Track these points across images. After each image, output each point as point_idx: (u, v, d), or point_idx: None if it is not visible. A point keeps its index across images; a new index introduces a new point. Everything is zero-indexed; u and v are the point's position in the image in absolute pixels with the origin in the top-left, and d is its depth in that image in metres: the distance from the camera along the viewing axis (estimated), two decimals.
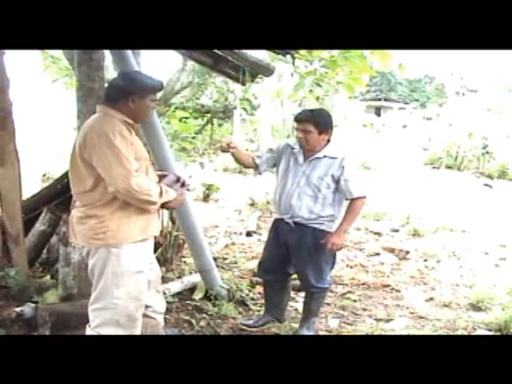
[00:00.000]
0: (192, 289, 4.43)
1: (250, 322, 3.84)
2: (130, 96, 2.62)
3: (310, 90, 6.14)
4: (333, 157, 3.48)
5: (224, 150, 3.62)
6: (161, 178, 2.87)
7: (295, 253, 3.57)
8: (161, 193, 2.64)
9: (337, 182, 3.46)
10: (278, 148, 3.70)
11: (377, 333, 3.75)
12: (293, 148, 3.59)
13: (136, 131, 2.75)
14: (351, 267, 5.81)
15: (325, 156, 3.48)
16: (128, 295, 2.65)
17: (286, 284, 3.89)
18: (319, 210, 3.47)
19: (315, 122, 3.42)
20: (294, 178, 3.51)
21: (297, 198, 3.47)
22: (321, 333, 3.89)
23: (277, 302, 3.86)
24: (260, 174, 3.79)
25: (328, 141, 3.53)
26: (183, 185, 2.89)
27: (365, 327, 3.96)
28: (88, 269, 2.73)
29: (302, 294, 4.55)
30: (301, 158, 3.53)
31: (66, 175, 4.59)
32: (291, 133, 15.91)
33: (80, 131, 2.66)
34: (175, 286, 4.33)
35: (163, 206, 2.74)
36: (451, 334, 3.95)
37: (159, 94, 3.29)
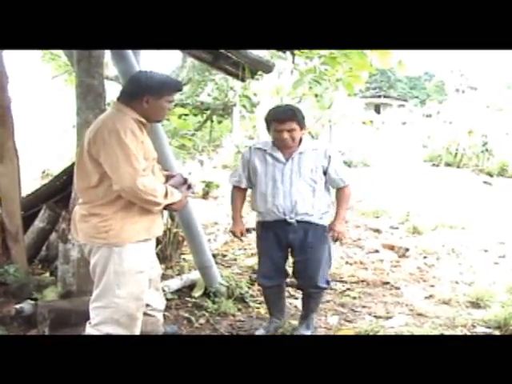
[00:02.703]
0: (191, 286, 4.43)
1: (262, 331, 3.70)
2: (144, 96, 2.60)
3: (310, 87, 6.13)
4: (314, 148, 3.44)
5: (237, 237, 3.74)
6: (168, 178, 2.85)
7: (299, 253, 3.50)
8: (166, 194, 2.62)
9: (325, 172, 3.43)
10: (245, 159, 3.55)
11: (376, 330, 3.75)
12: (264, 149, 3.47)
13: (148, 131, 2.73)
14: (351, 264, 5.81)
15: (306, 149, 3.42)
16: (129, 295, 2.65)
17: (284, 285, 3.87)
18: (319, 204, 3.43)
19: (298, 120, 3.34)
20: (284, 177, 3.38)
21: (296, 194, 3.37)
22: (320, 330, 3.89)
23: (280, 304, 3.81)
24: (251, 187, 3.59)
25: None
26: (189, 187, 2.88)
27: (364, 324, 3.95)
28: (90, 267, 2.73)
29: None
30: (280, 157, 3.41)
31: (65, 172, 4.59)
32: None
33: (91, 126, 2.64)
34: (174, 283, 4.34)
35: (166, 207, 2.72)
36: (451, 331, 3.95)
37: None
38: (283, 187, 3.39)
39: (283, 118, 3.34)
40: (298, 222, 3.42)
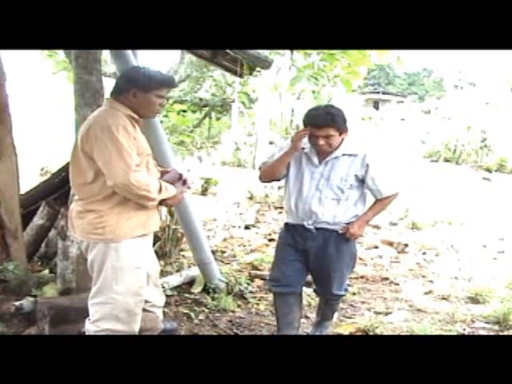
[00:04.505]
0: (191, 282, 4.43)
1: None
2: (131, 89, 2.59)
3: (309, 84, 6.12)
4: (352, 154, 3.16)
5: (299, 139, 3.12)
6: (163, 174, 2.85)
7: (318, 260, 3.28)
8: (160, 189, 2.61)
9: (362, 181, 3.18)
10: (281, 148, 3.30)
11: (375, 325, 3.76)
12: (302, 148, 3.20)
13: (141, 127, 2.72)
14: None
15: (343, 154, 3.15)
16: (127, 290, 2.65)
17: (301, 296, 3.50)
18: (343, 213, 3.19)
19: (337, 125, 3.06)
20: (312, 181, 3.17)
21: (318, 202, 3.15)
22: None
23: (292, 319, 3.40)
24: (279, 180, 3.37)
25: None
26: (185, 183, 2.87)
27: (364, 320, 3.96)
28: (87, 263, 2.73)
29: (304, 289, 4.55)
30: (315, 159, 3.18)
31: (63, 169, 4.58)
32: (289, 126, 15.89)
33: (84, 123, 2.64)
34: (174, 280, 4.34)
35: (162, 202, 2.71)
36: (450, 326, 3.96)
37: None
38: (308, 191, 3.19)
39: (320, 124, 3.06)
40: (317, 228, 3.22)
